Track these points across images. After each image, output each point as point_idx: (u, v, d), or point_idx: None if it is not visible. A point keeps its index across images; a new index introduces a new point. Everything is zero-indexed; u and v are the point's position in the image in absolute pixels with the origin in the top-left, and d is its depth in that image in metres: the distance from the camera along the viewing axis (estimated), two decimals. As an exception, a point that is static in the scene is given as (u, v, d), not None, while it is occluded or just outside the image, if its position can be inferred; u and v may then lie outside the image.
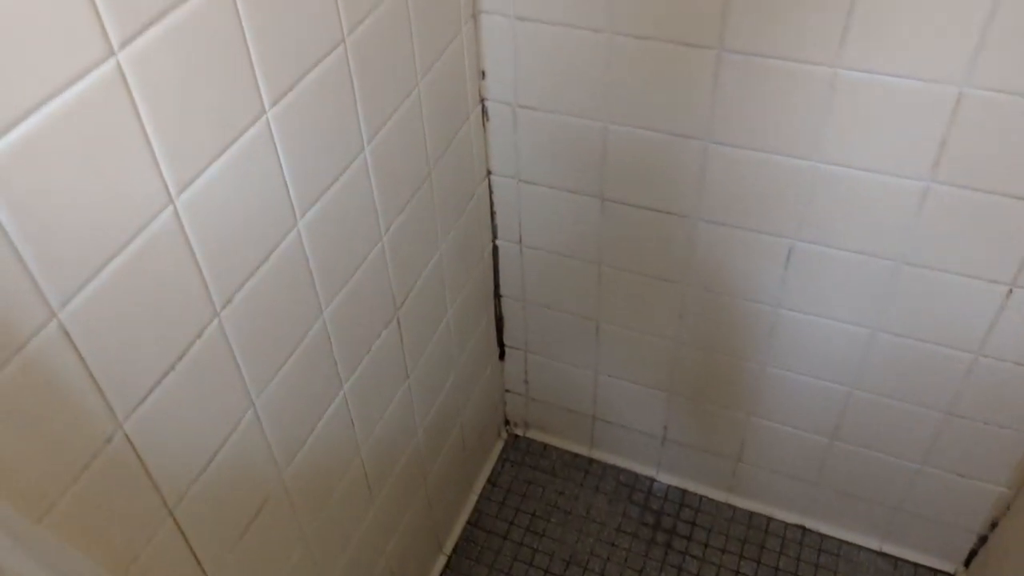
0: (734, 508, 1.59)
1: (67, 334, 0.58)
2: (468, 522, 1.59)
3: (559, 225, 1.30)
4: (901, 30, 0.90)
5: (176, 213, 0.66)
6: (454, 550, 1.55)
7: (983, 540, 1.41)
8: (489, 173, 1.29)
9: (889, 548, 1.51)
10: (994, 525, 1.37)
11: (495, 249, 1.40)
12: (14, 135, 0.51)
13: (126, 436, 0.66)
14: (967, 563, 1.46)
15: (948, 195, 1.00)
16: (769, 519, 1.57)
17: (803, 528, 1.55)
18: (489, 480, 1.66)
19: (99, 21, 0.55)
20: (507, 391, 1.66)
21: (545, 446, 1.71)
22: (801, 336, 1.25)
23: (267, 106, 0.73)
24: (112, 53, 0.56)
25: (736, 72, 1.01)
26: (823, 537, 1.54)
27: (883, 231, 1.07)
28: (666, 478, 1.63)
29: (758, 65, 0.99)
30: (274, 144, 0.76)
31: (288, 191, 0.80)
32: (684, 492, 1.62)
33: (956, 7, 0.86)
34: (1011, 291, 1.06)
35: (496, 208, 1.34)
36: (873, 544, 1.51)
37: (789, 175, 1.07)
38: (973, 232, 1.03)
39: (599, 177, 1.21)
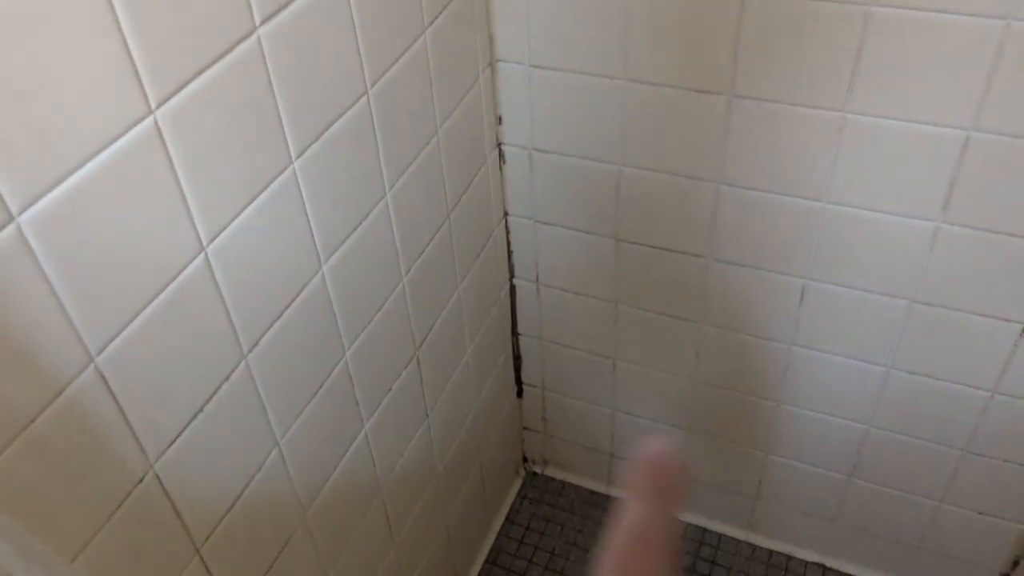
0: (753, 546, 1.59)
1: (103, 378, 0.61)
2: (487, 560, 1.60)
3: (575, 265, 1.33)
4: (908, 76, 0.92)
5: (207, 260, 0.68)
6: (473, 588, 1.55)
7: (1005, 579, 1.40)
8: (506, 214, 1.32)
9: (910, 587, 1.50)
10: (1015, 563, 1.36)
11: (512, 288, 1.42)
12: (59, 190, 0.54)
13: (156, 477, 0.68)
14: (990, 602, 1.45)
15: (959, 235, 1.02)
16: (789, 557, 1.56)
17: (823, 567, 1.55)
18: (508, 518, 1.66)
19: (139, 82, 0.58)
20: (525, 428, 1.67)
21: (563, 483, 1.71)
22: (816, 374, 1.26)
23: (294, 156, 0.76)
24: (150, 111, 0.59)
25: (746, 116, 1.03)
26: (843, 576, 1.54)
27: (895, 270, 1.09)
28: (684, 516, 1.63)
29: (768, 110, 1.01)
30: (300, 192, 0.78)
31: (313, 237, 0.82)
32: (703, 530, 1.61)
33: (961, 54, 0.88)
34: (1024, 329, 1.07)
35: (513, 248, 1.36)
36: (894, 583, 1.51)
37: (801, 216, 1.09)
38: (985, 271, 1.04)
39: (614, 218, 1.23)
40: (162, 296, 0.65)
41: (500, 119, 1.20)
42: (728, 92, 1.02)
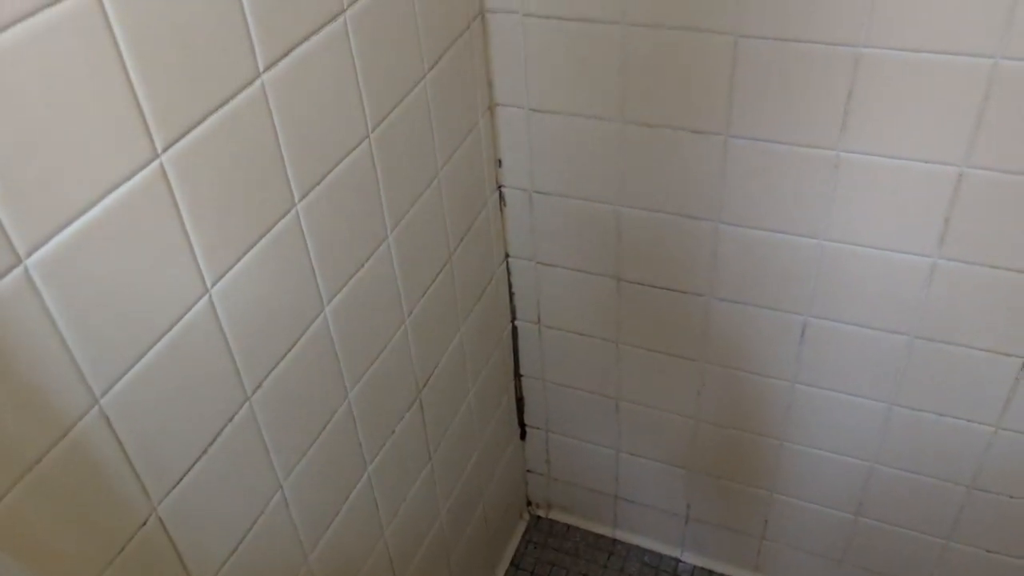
0: (761, 588, 1.57)
1: (107, 420, 0.61)
2: (491, 606, 1.58)
3: (577, 305, 1.33)
4: (899, 114, 0.94)
5: (211, 302, 0.69)
6: (477, 635, 1.53)
7: (1017, 619, 1.38)
8: (507, 255, 1.33)
9: (921, 628, 1.47)
10: (1027, 603, 1.34)
11: (514, 329, 1.43)
12: (66, 233, 0.55)
13: (160, 520, 0.68)
14: (1003, 643, 1.42)
15: (955, 271, 1.03)
16: (797, 599, 1.54)
17: (832, 608, 1.53)
18: (512, 562, 1.64)
19: (145, 126, 0.59)
20: (529, 471, 1.66)
21: (568, 527, 1.70)
22: (819, 411, 1.26)
23: (297, 199, 0.77)
24: (156, 155, 0.61)
25: (743, 156, 1.05)
26: (853, 618, 1.51)
27: (894, 307, 1.09)
28: (691, 558, 1.61)
29: (764, 149, 1.03)
30: (303, 235, 0.80)
31: (316, 278, 0.83)
32: (710, 573, 1.60)
33: (950, 92, 0.90)
34: (1025, 363, 1.07)
35: (515, 289, 1.37)
36: (905, 624, 1.48)
37: (799, 253, 1.10)
38: (983, 307, 1.04)
39: (614, 258, 1.24)
40: (166, 338, 0.65)
41: (500, 162, 1.22)
42: (724, 132, 1.04)
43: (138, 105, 0.58)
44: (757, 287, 1.16)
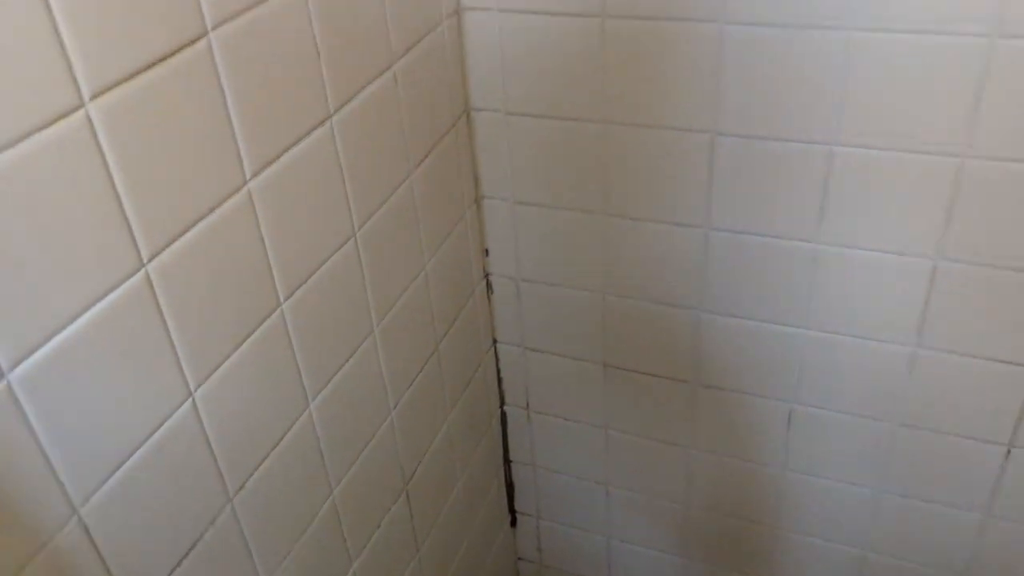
0: None
1: (86, 529, 0.61)
2: None
3: (565, 390, 1.34)
4: (873, 208, 0.96)
5: (194, 406, 0.70)
6: None
7: None
8: (495, 342, 1.34)
9: None
10: None
11: (503, 415, 1.43)
12: (50, 346, 0.56)
13: (137, 627, 0.68)
14: None
15: (935, 359, 1.04)
16: None
17: None
18: (503, 654, 1.61)
19: (131, 237, 0.60)
20: (520, 559, 1.64)
21: (560, 615, 1.66)
22: (809, 498, 1.25)
23: (282, 299, 0.79)
24: (142, 265, 0.62)
25: (723, 247, 1.07)
26: None
27: (877, 394, 1.10)
28: (686, 648, 1.58)
29: (743, 241, 1.05)
30: (288, 334, 0.81)
31: (300, 376, 0.84)
32: (705, 663, 1.56)
33: (921, 188, 0.93)
34: (1009, 451, 1.07)
35: (503, 374, 1.37)
36: None
37: (782, 341, 1.11)
38: (965, 394, 1.05)
39: (600, 344, 1.25)
40: (148, 443, 0.65)
41: (487, 251, 1.24)
42: (705, 225, 1.06)
43: (125, 217, 0.59)
44: (742, 374, 1.17)
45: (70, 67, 0.53)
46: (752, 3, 0.89)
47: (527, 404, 1.39)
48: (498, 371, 1.37)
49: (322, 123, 0.80)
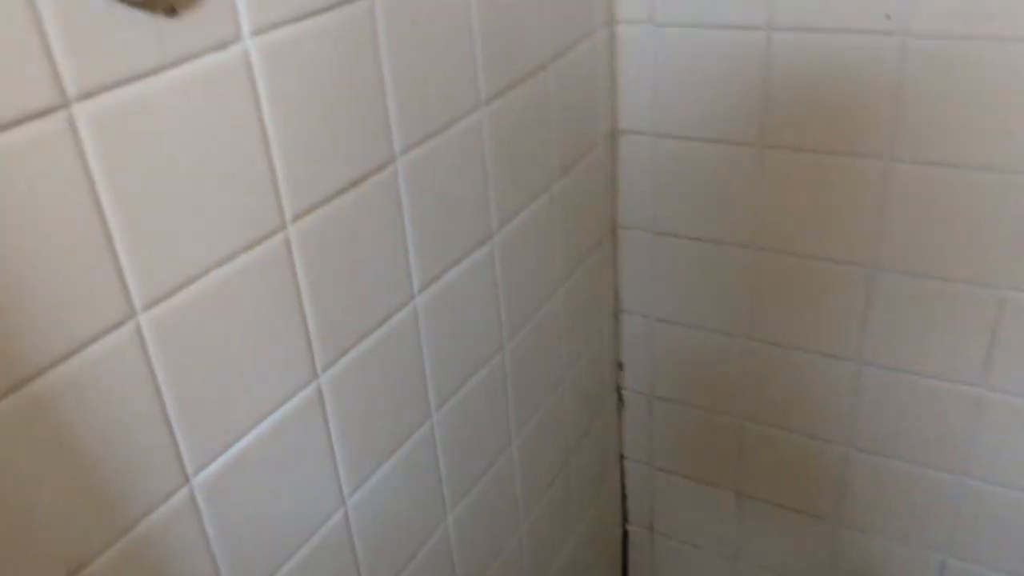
0: None
1: (239, 633, 0.62)
2: None
3: (694, 518, 1.29)
4: (1047, 356, 0.91)
5: (346, 514, 0.71)
6: None
7: None
8: (622, 457, 1.31)
9: None
10: None
11: (625, 534, 1.38)
12: (230, 453, 0.58)
13: None
14: None
15: (1116, 524, 0.95)
16: None
17: None
18: None
19: (310, 351, 0.63)
20: None
21: None
22: (959, 660, 1.15)
23: (433, 409, 0.80)
24: (316, 377, 0.64)
25: (876, 384, 1.02)
26: None
27: (1045, 555, 1.01)
28: None
29: (899, 380, 1.00)
30: (435, 444, 0.81)
31: (441, 486, 0.84)
32: None
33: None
34: None
35: (628, 493, 1.34)
36: None
37: (936, 488, 1.04)
38: None
39: (735, 471, 1.21)
40: (301, 551, 0.67)
41: (621, 364, 1.23)
42: (856, 359, 1.02)
43: (307, 332, 0.62)
44: (890, 519, 1.10)
45: (278, 196, 0.57)
46: (921, 142, 0.88)
47: (651, 525, 1.35)
48: (623, 488, 1.34)
49: (483, 243, 0.82)
